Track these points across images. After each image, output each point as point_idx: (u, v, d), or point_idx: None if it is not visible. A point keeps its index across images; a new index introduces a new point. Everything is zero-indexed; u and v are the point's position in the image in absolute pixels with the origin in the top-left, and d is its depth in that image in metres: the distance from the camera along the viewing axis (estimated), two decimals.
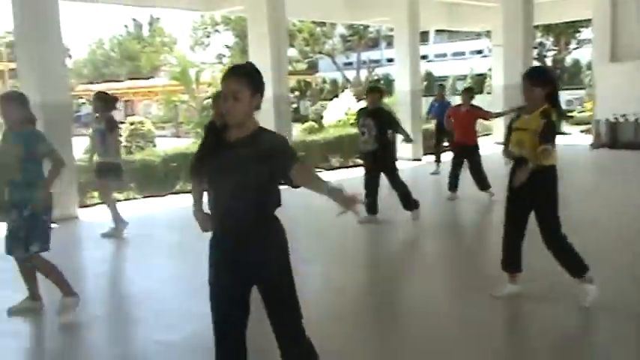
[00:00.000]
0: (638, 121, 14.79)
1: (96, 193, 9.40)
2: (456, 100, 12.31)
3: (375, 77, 38.65)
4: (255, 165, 2.74)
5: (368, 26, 33.71)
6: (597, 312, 4.53)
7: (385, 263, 6.51)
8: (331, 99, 26.00)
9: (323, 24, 33.01)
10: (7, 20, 9.67)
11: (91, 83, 39.78)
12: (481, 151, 9.19)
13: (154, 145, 15.40)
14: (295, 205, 9.50)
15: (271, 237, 2.88)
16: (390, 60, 21.25)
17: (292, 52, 37.47)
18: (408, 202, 7.74)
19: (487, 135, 17.27)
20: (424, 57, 41.06)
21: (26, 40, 9.02)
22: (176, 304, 5.14)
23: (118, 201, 9.80)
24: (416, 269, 6.31)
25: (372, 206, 7.82)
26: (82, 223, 8.83)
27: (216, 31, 39.74)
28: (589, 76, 26.58)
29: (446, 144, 12.00)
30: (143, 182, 10.95)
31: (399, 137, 8.15)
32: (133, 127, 15.70)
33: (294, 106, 35.13)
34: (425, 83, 35.08)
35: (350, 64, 39.99)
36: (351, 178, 11.63)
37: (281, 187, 2.94)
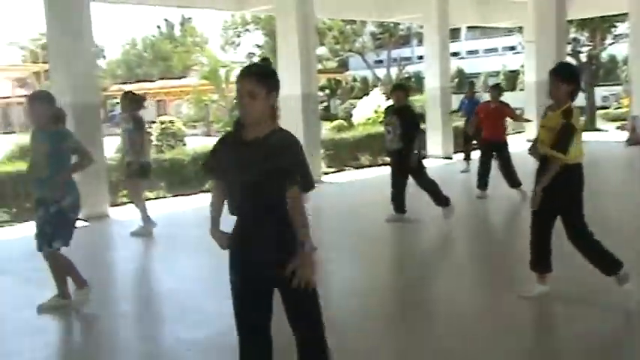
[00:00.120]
0: None
1: (126, 192, 9.51)
2: (487, 98, 12.13)
3: (406, 75, 38.38)
4: (267, 165, 2.73)
5: (398, 24, 33.49)
6: (636, 315, 4.39)
7: (412, 262, 6.44)
8: (361, 97, 25.90)
9: (353, 22, 32.89)
10: (42, 22, 9.91)
11: (125, 83, 40.28)
12: (510, 148, 9.04)
13: (184, 144, 15.52)
14: (323, 203, 9.53)
15: (283, 237, 2.81)
16: (421, 57, 21.14)
17: (322, 51, 37.45)
18: (439, 199, 7.64)
19: (519, 132, 17.01)
20: (456, 54, 40.66)
21: (58, 42, 9.17)
22: (202, 303, 5.16)
23: (148, 199, 9.92)
24: (443, 268, 6.23)
25: (399, 205, 7.75)
26: (112, 222, 8.94)
27: (247, 30, 39.95)
28: (625, 72, 25.99)
29: (475, 142, 11.84)
30: (173, 181, 11.05)
31: (427, 134, 8.04)
32: (163, 126, 15.86)
33: (325, 104, 35.14)
34: (456, 80, 34.78)
35: (380, 61, 39.78)
36: (380, 176, 11.57)
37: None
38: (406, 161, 7.44)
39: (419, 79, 35.15)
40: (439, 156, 14.22)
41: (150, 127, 15.89)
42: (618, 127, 18.85)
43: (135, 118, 7.45)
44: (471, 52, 48.05)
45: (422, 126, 8.15)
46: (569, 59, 19.11)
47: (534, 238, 4.72)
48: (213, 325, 4.55)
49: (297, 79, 11.64)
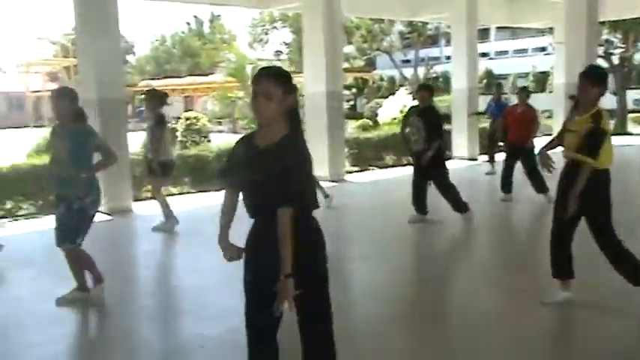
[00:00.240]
0: None
1: (149, 187, 9.58)
2: (515, 100, 11.95)
3: (434, 75, 38.11)
4: (273, 170, 2.70)
5: (427, 23, 33.25)
6: None
7: (432, 264, 6.37)
8: (387, 97, 25.79)
9: (381, 21, 32.75)
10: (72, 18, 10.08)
11: (153, 79, 40.74)
12: (537, 152, 8.88)
13: (209, 141, 15.60)
14: (345, 202, 9.50)
15: (298, 241, 2.75)
16: (450, 57, 20.90)
17: (350, 49, 37.39)
18: (458, 205, 7.52)
19: (548, 135, 16.76)
20: (484, 54, 40.29)
21: (85, 37, 9.27)
22: (219, 299, 5.16)
23: (172, 195, 9.99)
24: (463, 271, 6.16)
25: (421, 206, 7.68)
26: (135, 216, 9.01)
27: (274, 27, 40.05)
28: None
29: (501, 143, 11.67)
30: (197, 177, 11.11)
31: (452, 135, 7.93)
32: (188, 122, 15.95)
33: (351, 103, 35.07)
34: (484, 81, 34.41)
35: (408, 61, 39.57)
36: (404, 176, 11.50)
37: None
38: (430, 163, 7.35)
39: (446, 79, 34.91)
40: (464, 157, 14.08)
41: (175, 124, 16.03)
42: None
43: (157, 115, 7.47)
44: (500, 53, 47.53)
45: (447, 127, 8.02)
46: (601, 61, 18.78)
47: (556, 244, 4.62)
48: (228, 322, 4.53)
49: (323, 77, 11.62)
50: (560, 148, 4.59)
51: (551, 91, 23.46)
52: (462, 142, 14.39)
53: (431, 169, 7.42)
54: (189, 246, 7.30)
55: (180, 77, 42.04)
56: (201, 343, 4.28)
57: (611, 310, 4.57)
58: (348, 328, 4.22)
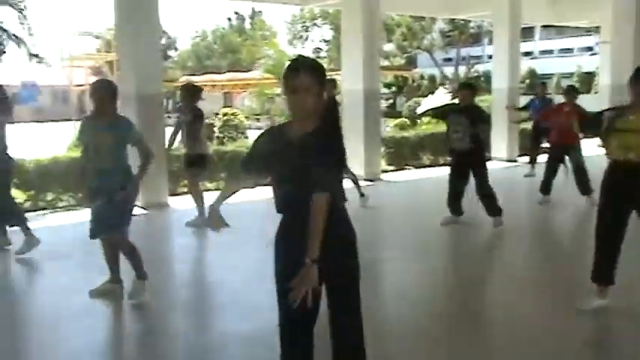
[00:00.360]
0: None
1: (186, 182, 9.64)
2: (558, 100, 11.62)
3: (475, 74, 37.63)
4: (307, 162, 2.67)
5: (469, 21, 32.84)
6: None
7: (466, 269, 6.25)
8: (427, 95, 25.56)
9: (422, 18, 32.48)
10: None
11: (193, 74, 41.16)
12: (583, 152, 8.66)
13: (246, 137, 15.68)
14: (379, 202, 9.42)
15: (330, 235, 2.72)
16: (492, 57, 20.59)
17: (390, 47, 37.17)
18: (493, 207, 7.35)
19: (589, 137, 16.34)
20: (528, 53, 39.61)
21: (125, 32, 9.39)
22: (249, 295, 5.17)
23: (208, 190, 10.04)
24: (497, 275, 6.05)
25: (456, 207, 7.55)
26: (171, 211, 9.10)
27: (315, 25, 40.07)
28: None
29: (545, 145, 11.34)
30: (233, 173, 11.15)
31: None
32: (225, 118, 16.06)
33: (391, 101, 34.84)
34: (527, 81, 33.77)
35: (449, 60, 39.17)
36: (441, 176, 11.35)
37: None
38: (473, 162, 7.23)
39: (488, 78, 34.40)
40: (503, 159, 13.82)
41: (213, 119, 16.18)
42: None
43: (194, 110, 7.51)
44: (544, 52, 46.70)
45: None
46: None
47: (602, 248, 4.47)
48: (258, 319, 4.53)
49: (360, 75, 11.54)
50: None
51: (596, 92, 22.91)
52: (501, 143, 14.13)
53: (473, 168, 7.29)
54: (222, 241, 7.31)
55: (220, 73, 42.38)
56: (231, 340, 4.29)
57: None
58: (379, 329, 4.19)
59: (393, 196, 10.56)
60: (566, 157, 8.81)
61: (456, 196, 7.50)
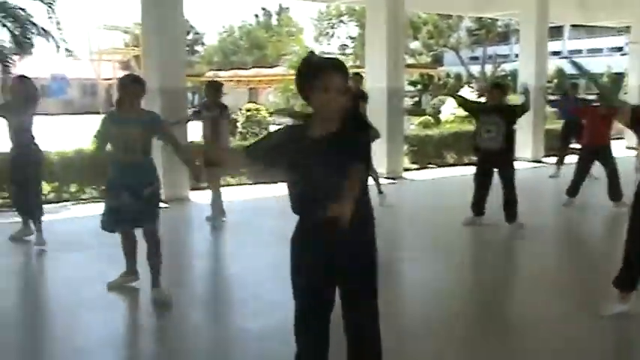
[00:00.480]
0: None
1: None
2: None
3: (502, 73, 37.22)
4: (339, 160, 2.62)
5: (496, 20, 32.50)
6: None
7: (485, 271, 6.18)
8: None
9: (449, 17, 32.22)
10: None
11: (219, 70, 41.36)
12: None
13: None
14: (401, 200, 9.37)
15: (359, 232, 2.72)
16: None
17: (416, 45, 36.96)
18: (513, 214, 7.22)
19: (619, 139, 16.05)
20: (556, 53, 39.05)
21: (149, 27, 9.48)
22: (264, 292, 5.17)
23: (229, 185, 10.10)
24: (519, 278, 5.97)
25: (480, 207, 7.46)
26: (191, 205, 9.15)
27: (341, 21, 40.00)
28: None
29: (574, 145, 11.06)
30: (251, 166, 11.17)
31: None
32: (249, 113, 16.11)
33: (416, 99, 34.62)
34: (555, 81, 33.28)
35: (476, 58, 38.81)
36: (464, 175, 11.25)
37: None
38: (503, 162, 7.13)
39: (515, 77, 34.00)
40: (527, 159, 13.65)
41: (237, 114, 16.22)
42: None
43: (219, 105, 7.53)
44: (573, 52, 46.00)
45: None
46: None
47: (631, 252, 4.38)
48: (273, 315, 4.53)
49: (384, 72, 11.50)
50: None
51: (626, 93, 22.53)
52: (526, 143, 13.95)
53: (500, 169, 7.20)
54: (238, 237, 7.36)
55: (245, 69, 42.54)
56: (248, 335, 4.31)
57: None
58: (399, 327, 4.16)
59: (415, 195, 10.50)
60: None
61: (481, 195, 7.39)
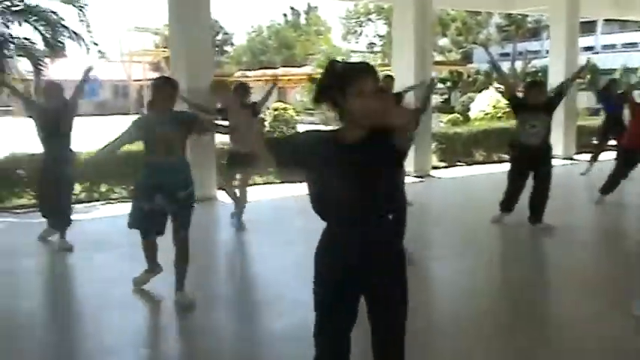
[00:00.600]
0: None
1: (237, 175, 9.70)
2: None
3: (532, 69, 36.70)
4: (380, 163, 2.58)
5: (526, 16, 32.06)
6: None
7: (514, 269, 6.10)
8: (481, 91, 25.07)
9: (478, 13, 31.88)
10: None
11: (248, 70, 41.59)
12: None
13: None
14: (429, 198, 9.30)
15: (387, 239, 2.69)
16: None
17: (445, 42, 36.66)
18: (541, 212, 7.11)
19: None
20: (589, 48, 38.33)
21: (177, 28, 9.55)
22: (288, 292, 5.17)
23: (256, 184, 10.13)
24: (548, 276, 5.88)
25: (510, 205, 7.35)
26: (219, 205, 9.20)
27: (369, 20, 39.87)
28: None
29: (612, 142, 10.80)
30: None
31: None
32: (276, 112, 16.16)
33: (445, 96, 34.35)
34: (588, 77, 32.68)
35: (506, 54, 38.29)
36: (493, 173, 11.13)
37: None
38: (542, 160, 7.04)
39: (546, 73, 33.50)
40: (559, 156, 13.42)
41: (264, 114, 16.28)
42: None
43: (249, 106, 7.54)
44: (606, 47, 45.10)
45: None
46: None
47: None
48: (295, 315, 4.53)
49: (412, 70, 11.42)
50: None
51: None
52: (557, 140, 13.70)
53: (538, 166, 7.07)
54: (264, 236, 7.37)
55: (274, 68, 42.68)
56: (273, 336, 4.33)
57: None
58: (429, 325, 4.12)
59: (443, 193, 10.41)
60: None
61: (515, 192, 7.26)
